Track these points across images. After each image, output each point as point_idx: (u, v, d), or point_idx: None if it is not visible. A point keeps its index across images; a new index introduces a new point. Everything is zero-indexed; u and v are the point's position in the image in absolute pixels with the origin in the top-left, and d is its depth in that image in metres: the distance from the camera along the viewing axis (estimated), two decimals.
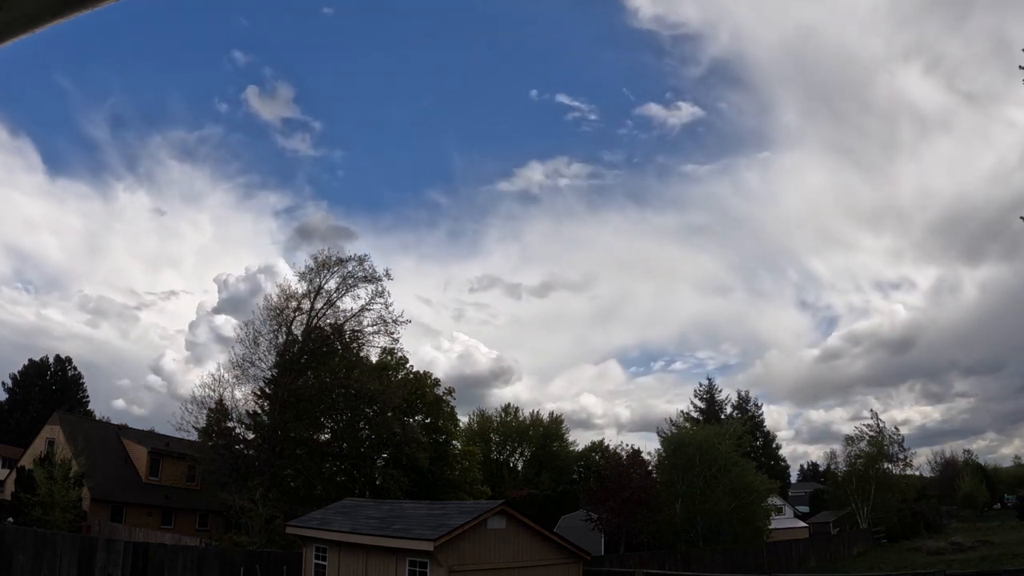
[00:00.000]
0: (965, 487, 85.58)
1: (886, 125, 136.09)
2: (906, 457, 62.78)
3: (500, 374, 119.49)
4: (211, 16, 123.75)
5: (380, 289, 42.49)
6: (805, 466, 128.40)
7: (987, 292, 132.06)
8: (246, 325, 42.84)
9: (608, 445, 68.15)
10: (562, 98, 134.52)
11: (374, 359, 46.89)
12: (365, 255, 43.93)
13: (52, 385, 72.65)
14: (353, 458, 43.48)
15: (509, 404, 79.17)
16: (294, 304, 42.33)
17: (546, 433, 76.07)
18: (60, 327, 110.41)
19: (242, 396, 41.29)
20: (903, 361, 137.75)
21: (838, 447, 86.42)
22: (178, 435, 42.70)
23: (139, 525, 38.94)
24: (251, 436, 41.94)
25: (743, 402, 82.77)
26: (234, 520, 38.75)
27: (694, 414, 76.41)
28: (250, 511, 34.76)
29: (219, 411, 40.45)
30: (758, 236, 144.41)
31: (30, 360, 73.21)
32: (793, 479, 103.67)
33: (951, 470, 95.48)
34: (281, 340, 41.69)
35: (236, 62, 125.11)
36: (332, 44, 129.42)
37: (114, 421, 62.67)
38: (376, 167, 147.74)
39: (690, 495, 43.64)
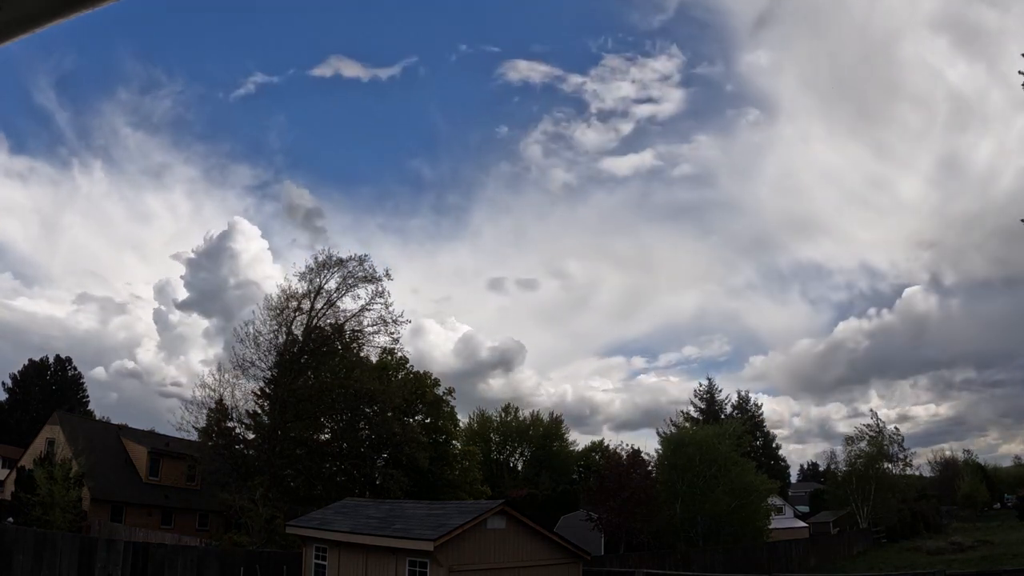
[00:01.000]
0: (965, 487, 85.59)
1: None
2: (906, 457, 62.92)
3: (499, 362, 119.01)
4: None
5: (380, 289, 42.64)
6: (804, 465, 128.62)
7: (987, 291, 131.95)
8: (246, 325, 42.91)
9: (608, 445, 68.24)
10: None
11: (374, 359, 46.97)
12: (365, 255, 44.16)
13: (52, 385, 72.70)
14: (353, 458, 43.51)
15: (509, 404, 79.38)
16: (294, 304, 42.39)
17: (546, 433, 76.13)
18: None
19: (242, 396, 41.37)
20: (903, 359, 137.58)
21: (838, 447, 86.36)
22: (178, 435, 42.78)
23: (139, 525, 38.96)
24: (251, 436, 41.98)
25: (743, 402, 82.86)
26: (234, 520, 38.73)
27: (694, 414, 76.44)
28: (250, 511, 34.75)
29: (219, 411, 40.49)
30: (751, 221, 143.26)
31: (30, 360, 73.47)
32: (793, 479, 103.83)
33: (951, 470, 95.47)
34: (281, 340, 41.73)
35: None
36: None
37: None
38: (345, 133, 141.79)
39: (690, 495, 43.64)
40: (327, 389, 40.90)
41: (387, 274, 42.98)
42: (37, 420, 55.69)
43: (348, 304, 42.95)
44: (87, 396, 75.58)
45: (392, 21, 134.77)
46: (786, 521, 62.77)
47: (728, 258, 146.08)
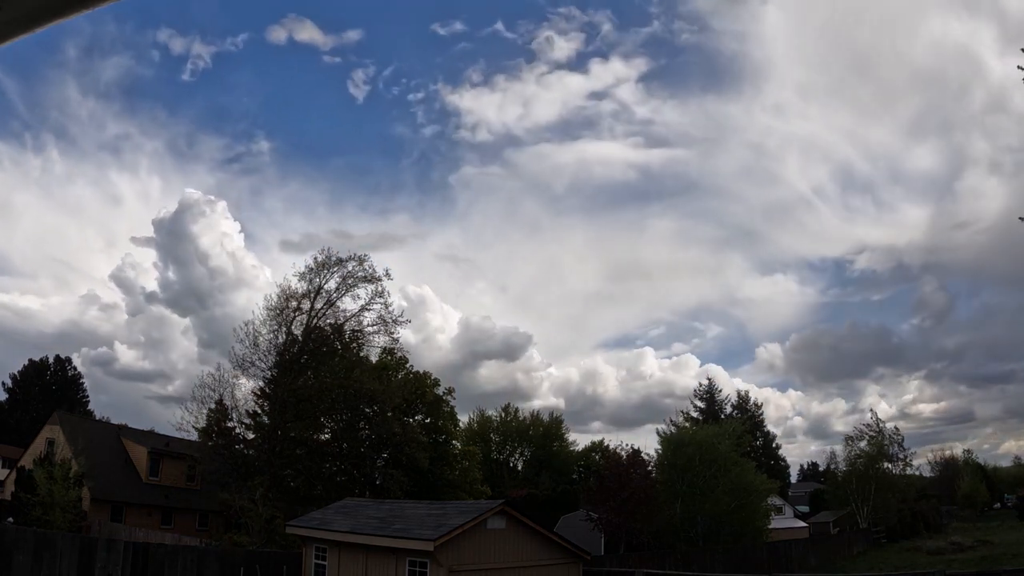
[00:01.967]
0: (965, 487, 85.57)
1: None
2: (906, 457, 62.89)
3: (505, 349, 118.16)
4: None
5: (380, 289, 42.71)
6: (804, 465, 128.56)
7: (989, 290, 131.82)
8: (246, 324, 42.92)
9: (608, 445, 68.21)
10: None
11: (374, 359, 47.01)
12: (365, 255, 44.09)
13: (52, 385, 72.71)
14: (353, 458, 43.52)
15: (509, 404, 79.33)
16: (294, 304, 42.41)
17: (546, 433, 76.08)
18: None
19: (242, 396, 41.42)
20: (904, 357, 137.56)
21: (839, 447, 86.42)
22: (178, 435, 42.80)
23: (139, 525, 38.95)
24: (251, 436, 42.02)
25: (743, 401, 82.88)
26: (234, 520, 38.73)
27: (694, 413, 76.48)
28: (250, 511, 34.75)
29: (219, 411, 40.52)
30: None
31: (30, 360, 73.50)
32: (793, 479, 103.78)
33: (951, 470, 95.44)
34: (281, 340, 41.76)
35: None
36: None
37: None
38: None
39: (690, 495, 43.63)
40: (327, 389, 40.90)
41: (387, 274, 43.10)
42: (37, 420, 55.67)
43: (348, 304, 43.11)
44: (87, 396, 75.72)
45: None
46: (786, 521, 62.79)
47: (729, 248, 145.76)
